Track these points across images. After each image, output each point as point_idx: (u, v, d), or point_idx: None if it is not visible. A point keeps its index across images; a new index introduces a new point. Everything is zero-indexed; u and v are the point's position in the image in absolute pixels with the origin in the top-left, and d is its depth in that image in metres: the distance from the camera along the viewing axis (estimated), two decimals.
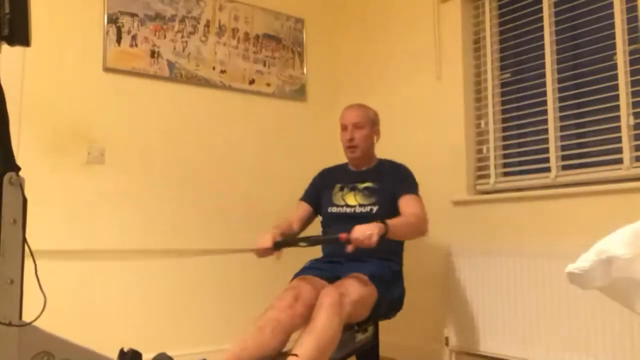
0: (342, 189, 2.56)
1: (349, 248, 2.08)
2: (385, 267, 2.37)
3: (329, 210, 2.55)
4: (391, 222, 2.17)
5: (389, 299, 2.34)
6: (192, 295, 3.02)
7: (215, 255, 2.99)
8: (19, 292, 1.13)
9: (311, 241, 2.27)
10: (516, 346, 2.54)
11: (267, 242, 2.23)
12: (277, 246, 2.23)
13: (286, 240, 2.27)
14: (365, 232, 2.06)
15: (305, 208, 2.65)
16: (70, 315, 2.59)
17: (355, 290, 2.15)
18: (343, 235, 2.10)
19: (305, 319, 2.07)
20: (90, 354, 1.24)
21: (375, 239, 2.04)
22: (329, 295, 2.04)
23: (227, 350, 1.94)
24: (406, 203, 2.42)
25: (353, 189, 2.53)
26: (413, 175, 2.55)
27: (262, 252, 2.25)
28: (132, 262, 2.85)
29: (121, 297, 2.81)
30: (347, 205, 2.50)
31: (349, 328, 2.24)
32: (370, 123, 2.57)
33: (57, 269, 2.60)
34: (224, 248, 2.33)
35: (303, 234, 2.55)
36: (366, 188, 2.50)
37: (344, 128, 2.57)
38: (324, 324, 1.97)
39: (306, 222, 2.63)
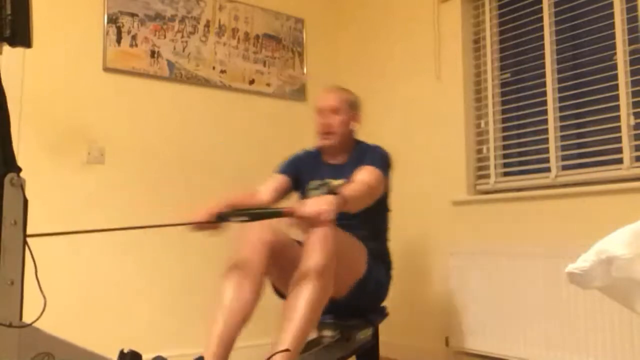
0: (317, 187, 2.34)
1: (298, 226, 1.75)
2: (370, 245, 2.21)
3: None
4: (348, 193, 1.86)
5: (375, 278, 2.20)
6: (192, 295, 3.02)
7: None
8: (19, 293, 1.13)
9: (252, 215, 1.86)
10: (516, 346, 2.54)
11: (206, 213, 1.87)
12: (220, 219, 1.88)
13: (228, 213, 1.89)
14: (315, 209, 1.70)
15: (283, 180, 2.34)
16: (71, 316, 2.59)
17: (348, 235, 2.03)
18: (288, 210, 1.74)
19: (277, 242, 1.97)
20: (90, 355, 1.24)
21: (327, 216, 1.70)
22: (320, 230, 1.84)
23: (212, 321, 1.84)
24: (359, 171, 2.13)
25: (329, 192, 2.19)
26: (384, 152, 2.29)
27: (199, 226, 1.89)
28: (132, 262, 2.85)
29: (121, 298, 2.81)
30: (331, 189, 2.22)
31: (349, 329, 2.22)
32: (348, 107, 2.34)
33: (57, 270, 2.60)
34: (157, 223, 1.91)
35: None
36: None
37: (319, 112, 2.34)
38: (318, 266, 1.80)
39: (283, 193, 2.33)
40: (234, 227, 1.92)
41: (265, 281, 1.97)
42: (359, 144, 2.40)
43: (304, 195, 2.33)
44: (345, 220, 1.98)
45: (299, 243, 2.13)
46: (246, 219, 1.84)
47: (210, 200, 1.96)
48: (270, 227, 2.00)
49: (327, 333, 2.19)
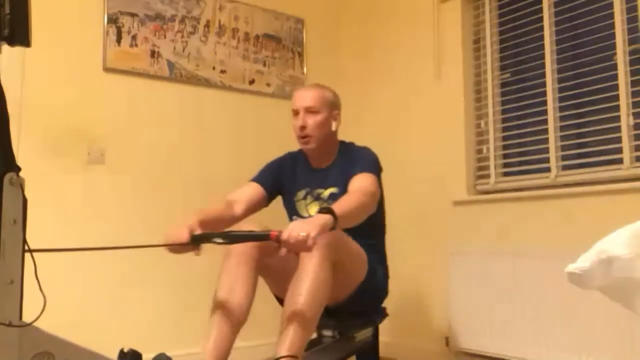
0: (305, 197, 2.22)
1: (282, 251, 1.66)
2: (368, 246, 2.12)
3: (293, 219, 2.21)
4: (340, 209, 1.75)
5: (375, 280, 2.15)
6: (192, 295, 3.01)
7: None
8: (19, 292, 1.13)
9: (233, 238, 1.80)
10: (516, 346, 2.54)
11: (182, 235, 1.77)
12: (195, 241, 1.78)
13: (205, 235, 1.80)
14: (299, 235, 1.60)
15: (258, 191, 2.20)
16: (71, 315, 2.59)
17: (349, 239, 1.95)
18: (275, 233, 1.66)
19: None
20: (90, 354, 1.24)
21: (311, 242, 1.60)
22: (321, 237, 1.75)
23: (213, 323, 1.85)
24: (353, 181, 2.01)
25: (318, 198, 2.19)
26: (373, 156, 2.16)
27: (176, 248, 1.78)
28: (132, 261, 2.85)
29: (121, 297, 2.81)
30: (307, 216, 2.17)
31: (349, 329, 2.20)
32: (327, 106, 2.16)
33: (56, 269, 2.60)
34: (132, 245, 1.90)
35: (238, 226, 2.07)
36: (331, 196, 2.16)
37: (295, 113, 2.16)
38: (316, 268, 1.76)
39: (255, 206, 2.19)
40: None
41: (257, 281, 1.94)
42: (344, 145, 2.25)
43: (292, 206, 2.25)
44: None
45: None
46: (224, 241, 1.76)
47: (186, 217, 1.87)
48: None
49: (327, 333, 2.18)
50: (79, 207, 2.74)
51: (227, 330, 1.83)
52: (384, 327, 2.51)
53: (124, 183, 2.88)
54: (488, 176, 2.89)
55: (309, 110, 2.12)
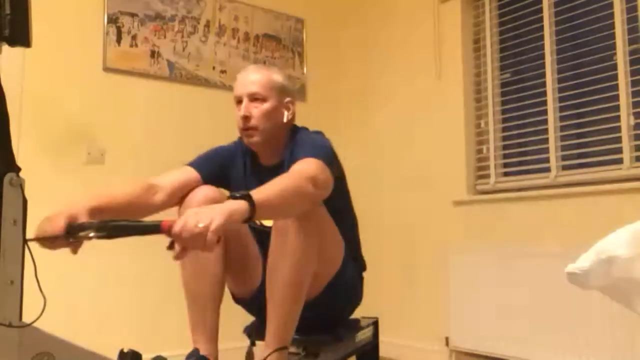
0: None
1: (175, 252, 1.24)
2: None
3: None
4: (260, 195, 1.34)
5: (349, 276, 1.81)
6: None
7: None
8: (19, 293, 1.13)
9: (113, 230, 1.34)
10: (516, 346, 2.54)
11: (55, 225, 1.36)
12: (71, 233, 1.36)
13: (80, 225, 1.38)
14: (196, 227, 1.19)
15: (191, 177, 1.79)
16: (71, 316, 2.59)
17: (327, 213, 1.66)
18: (168, 224, 1.24)
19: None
20: (90, 355, 1.24)
21: (212, 237, 1.19)
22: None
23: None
24: (293, 166, 1.57)
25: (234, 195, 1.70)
26: (323, 140, 1.75)
27: (50, 243, 1.35)
28: (132, 261, 2.85)
29: (121, 297, 2.81)
30: (262, 224, 1.80)
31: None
32: (277, 93, 1.77)
33: (56, 269, 2.60)
34: None
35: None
36: None
37: (237, 101, 1.78)
38: (292, 238, 1.52)
39: (186, 195, 1.75)
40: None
41: (223, 252, 1.74)
42: (294, 134, 1.81)
43: None
44: None
45: (255, 230, 1.79)
46: (100, 234, 1.33)
47: (71, 204, 1.50)
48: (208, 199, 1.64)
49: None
50: None
51: (209, 314, 1.73)
52: (384, 327, 2.51)
53: (124, 183, 2.88)
54: (488, 176, 2.89)
55: (254, 98, 1.75)
